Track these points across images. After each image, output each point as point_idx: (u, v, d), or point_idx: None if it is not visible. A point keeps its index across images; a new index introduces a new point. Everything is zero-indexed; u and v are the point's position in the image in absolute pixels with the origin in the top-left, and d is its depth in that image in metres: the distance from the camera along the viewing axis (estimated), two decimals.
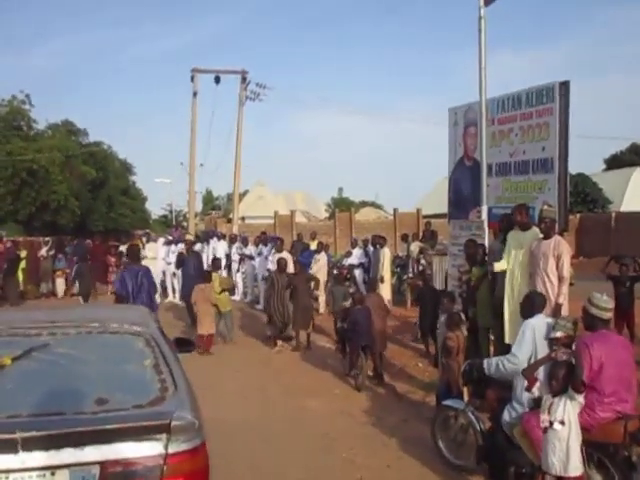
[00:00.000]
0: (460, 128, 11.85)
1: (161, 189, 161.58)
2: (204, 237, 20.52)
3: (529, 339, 5.20)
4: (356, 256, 16.29)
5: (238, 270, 17.87)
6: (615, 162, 47.81)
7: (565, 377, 4.58)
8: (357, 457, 6.28)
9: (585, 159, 67.90)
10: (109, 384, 3.44)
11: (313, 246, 17.12)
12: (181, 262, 14.52)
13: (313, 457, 6.31)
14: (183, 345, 5.10)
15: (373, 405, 8.14)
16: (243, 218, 35.56)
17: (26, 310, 6.88)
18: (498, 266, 7.82)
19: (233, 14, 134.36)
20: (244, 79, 27.15)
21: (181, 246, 17.56)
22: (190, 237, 17.57)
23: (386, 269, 14.33)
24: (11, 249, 17.61)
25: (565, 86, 9.11)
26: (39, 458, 2.87)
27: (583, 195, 33.22)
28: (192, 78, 26.81)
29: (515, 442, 4.98)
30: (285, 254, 13.64)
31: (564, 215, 9.08)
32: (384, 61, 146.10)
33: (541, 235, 7.27)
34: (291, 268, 12.57)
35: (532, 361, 5.11)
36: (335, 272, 14.65)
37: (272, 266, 13.88)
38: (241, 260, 17.61)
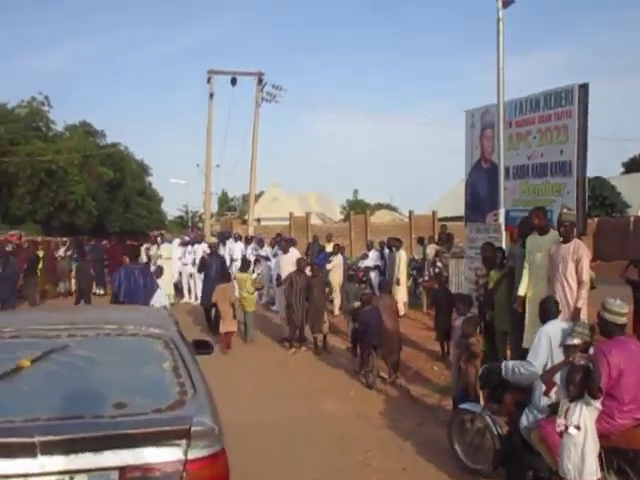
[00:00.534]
0: (477, 130, 11.81)
1: (177, 190, 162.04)
2: (220, 238, 20.58)
3: (544, 345, 5.18)
4: (372, 258, 16.26)
5: (254, 271, 17.91)
6: (634, 165, 47.38)
7: (582, 382, 4.54)
8: (373, 460, 6.27)
9: (603, 162, 67.36)
10: (128, 387, 3.41)
11: (329, 248, 17.10)
12: (203, 265, 14.35)
13: (329, 459, 6.31)
14: (201, 347, 5.07)
15: (389, 408, 8.12)
16: (258, 219, 35.62)
17: (45, 311, 6.87)
18: (521, 290, 7.75)
19: (247, 15, 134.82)
20: (260, 81, 27.26)
21: (197, 247, 17.68)
22: (213, 240, 17.51)
23: (402, 272, 14.32)
24: (30, 249, 17.75)
25: (584, 88, 9.05)
26: (58, 462, 2.84)
27: (601, 199, 32.94)
28: (208, 79, 26.90)
29: (533, 447, 4.95)
30: (291, 254, 13.75)
31: (582, 218, 9.00)
32: (401, 63, 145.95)
33: (560, 239, 7.21)
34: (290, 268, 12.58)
35: (548, 367, 5.08)
36: (351, 274, 14.63)
37: (274, 267, 14.20)
38: (257, 261, 17.65)
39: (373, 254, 16.53)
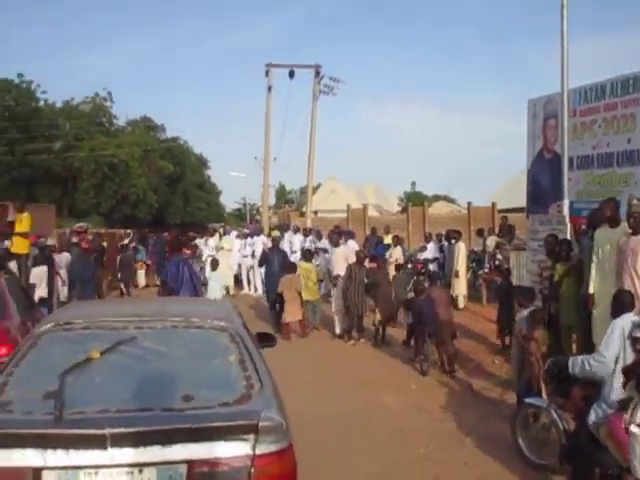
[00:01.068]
0: (539, 120, 11.59)
1: (234, 183, 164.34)
2: (280, 230, 20.76)
3: (617, 339, 5.04)
4: (431, 251, 16.15)
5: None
6: None
7: None
8: (433, 454, 6.21)
9: None
10: (194, 380, 3.41)
11: (387, 240, 17.05)
12: (265, 260, 14.15)
13: (388, 452, 6.27)
14: (265, 340, 5.10)
15: (449, 401, 8.04)
16: (316, 212, 35.73)
17: (112, 303, 7.01)
18: (592, 287, 7.56)
19: (304, 9, 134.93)
20: (317, 73, 27.30)
21: (257, 239, 17.90)
22: (276, 234, 17.65)
23: (461, 264, 14.15)
24: (96, 240, 18.26)
25: None
26: (127, 455, 2.85)
27: None
28: (267, 73, 27.13)
29: (601, 442, 4.83)
30: (344, 247, 13.92)
31: None
32: (458, 53, 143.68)
33: (629, 230, 7.00)
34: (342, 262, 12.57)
35: (619, 361, 4.95)
36: (409, 266, 14.57)
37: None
38: (315, 253, 17.71)
39: (432, 246, 16.41)
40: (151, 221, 42.12)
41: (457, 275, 13.92)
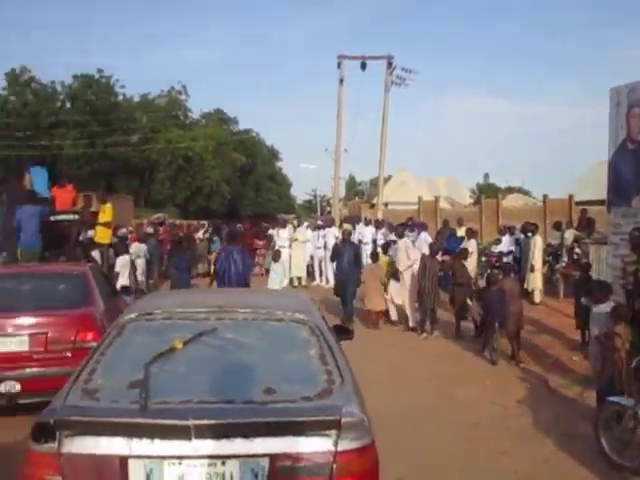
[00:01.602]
0: (623, 109, 11.12)
1: (305, 175, 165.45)
2: (349, 222, 20.83)
3: None
4: (505, 244, 15.79)
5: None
6: None
7: None
8: (511, 449, 6.11)
9: None
10: (276, 373, 3.36)
11: (460, 233, 16.79)
12: (336, 254, 13.38)
13: (465, 446, 6.21)
14: (342, 333, 5.08)
15: (525, 398, 7.91)
16: (386, 204, 35.56)
17: (193, 293, 7.12)
18: None
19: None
20: (390, 64, 27.07)
21: (328, 230, 18.00)
22: (348, 227, 17.64)
23: (537, 258, 13.81)
24: (173, 231, 18.75)
25: None
26: (211, 446, 2.84)
27: None
28: (338, 65, 27.05)
29: None
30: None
31: None
32: (533, 41, 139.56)
33: None
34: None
35: None
36: (484, 259, 14.35)
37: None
38: (387, 246, 17.67)
39: (506, 239, 16.05)
40: (224, 212, 42.92)
41: (533, 269, 13.61)
